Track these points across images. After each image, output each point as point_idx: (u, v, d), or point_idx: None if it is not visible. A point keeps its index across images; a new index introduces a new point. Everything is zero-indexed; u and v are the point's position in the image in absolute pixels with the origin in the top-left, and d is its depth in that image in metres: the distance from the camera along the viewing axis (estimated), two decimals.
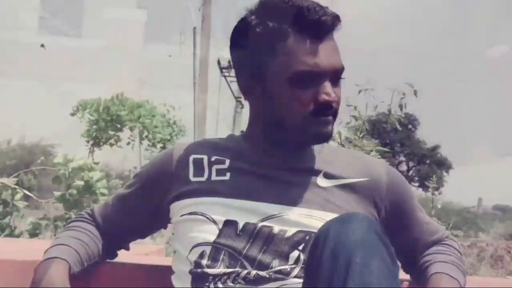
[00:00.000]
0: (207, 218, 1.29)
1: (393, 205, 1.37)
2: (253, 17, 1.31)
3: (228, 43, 1.36)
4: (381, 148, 3.28)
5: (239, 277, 1.25)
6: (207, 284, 1.26)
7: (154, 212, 1.40)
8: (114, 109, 13.55)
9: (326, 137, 1.32)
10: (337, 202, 1.31)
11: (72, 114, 13.70)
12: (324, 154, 1.38)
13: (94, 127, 13.58)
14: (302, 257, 1.25)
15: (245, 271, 1.25)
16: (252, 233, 1.27)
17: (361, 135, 3.24)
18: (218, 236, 1.28)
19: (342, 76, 1.32)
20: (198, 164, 1.36)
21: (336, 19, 1.29)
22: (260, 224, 1.28)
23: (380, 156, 3.15)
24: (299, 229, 1.27)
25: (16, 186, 4.51)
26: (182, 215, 1.33)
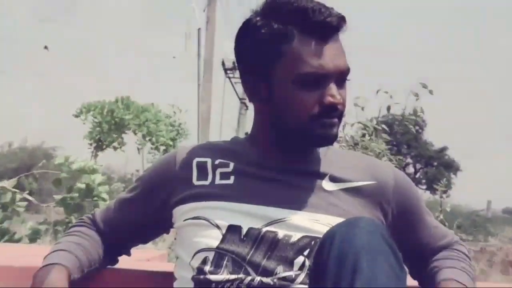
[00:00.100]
0: (211, 222, 1.29)
1: (400, 209, 1.37)
2: (257, 18, 1.31)
3: (233, 44, 1.36)
4: (388, 152, 3.27)
5: (242, 284, 1.24)
6: None
7: (157, 217, 1.40)
8: (119, 112, 13.58)
9: (331, 140, 1.31)
10: (343, 206, 1.31)
11: (76, 116, 13.73)
12: (330, 157, 1.38)
13: (98, 129, 13.61)
14: (307, 263, 1.25)
15: (249, 278, 1.24)
16: (256, 238, 1.27)
17: (369, 137, 3.24)
18: (222, 241, 1.27)
19: (348, 77, 1.32)
20: (202, 167, 1.36)
21: (341, 20, 1.29)
22: (264, 229, 1.27)
23: (388, 159, 3.15)
24: (304, 234, 1.27)
25: (16, 190, 4.51)
26: (185, 219, 1.33)
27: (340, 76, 1.29)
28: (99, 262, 1.42)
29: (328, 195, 1.32)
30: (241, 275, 1.25)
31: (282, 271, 1.25)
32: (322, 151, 1.38)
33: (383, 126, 3.19)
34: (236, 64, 1.40)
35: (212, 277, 1.26)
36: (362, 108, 3.22)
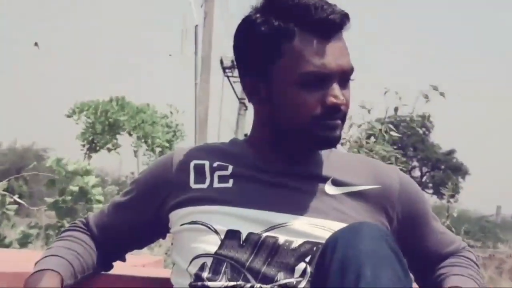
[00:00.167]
0: (209, 227, 1.29)
1: (406, 214, 1.37)
2: (257, 15, 1.31)
3: (232, 42, 1.37)
4: (396, 154, 3.27)
5: None
6: None
7: (153, 221, 1.40)
8: (113, 113, 13.55)
9: (334, 142, 1.32)
10: (346, 211, 1.31)
11: (68, 116, 13.70)
12: (333, 160, 1.38)
13: (91, 130, 13.58)
14: (308, 269, 1.25)
15: (249, 285, 1.25)
16: (256, 244, 1.27)
17: (374, 140, 3.24)
18: (220, 247, 1.28)
19: (352, 77, 1.32)
20: (199, 170, 1.36)
21: (345, 17, 1.29)
22: (264, 235, 1.28)
23: (390, 162, 3.15)
24: (306, 239, 1.27)
25: (6, 193, 4.51)
26: (182, 224, 1.33)
27: (343, 76, 1.30)
28: (92, 268, 1.42)
29: (331, 200, 1.32)
30: (240, 282, 1.25)
31: (282, 278, 1.25)
32: (324, 153, 1.38)
33: (390, 126, 3.19)
34: (235, 63, 1.41)
35: (210, 284, 1.26)
36: (369, 111, 3.22)
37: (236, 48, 1.36)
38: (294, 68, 1.27)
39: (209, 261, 1.28)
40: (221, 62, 18.41)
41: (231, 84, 19.30)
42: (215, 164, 1.36)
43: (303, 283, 1.25)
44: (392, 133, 3.21)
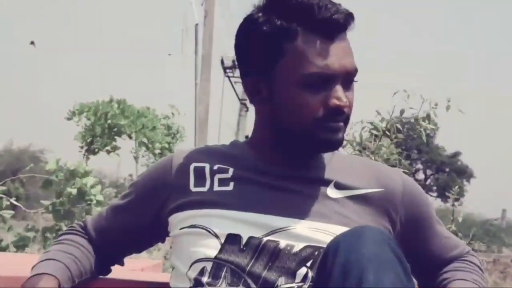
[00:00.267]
0: (209, 231, 1.30)
1: (409, 218, 1.37)
2: (259, 14, 1.31)
3: (233, 41, 1.37)
4: (400, 157, 3.26)
5: None
6: None
7: (152, 225, 1.40)
8: (114, 117, 13.54)
9: (336, 145, 1.32)
10: (348, 215, 1.31)
11: (68, 119, 13.67)
12: (335, 163, 1.38)
13: (90, 132, 13.57)
14: (310, 274, 1.25)
15: None
16: (257, 248, 1.27)
17: (378, 141, 3.23)
18: (220, 251, 1.28)
19: (355, 79, 1.32)
20: (200, 173, 1.36)
21: (349, 17, 1.29)
22: (265, 239, 1.28)
23: (391, 165, 3.14)
24: (307, 244, 1.27)
25: (2, 195, 4.51)
26: (182, 228, 1.33)
27: (347, 77, 1.30)
28: (90, 272, 1.43)
29: (333, 203, 1.32)
30: (241, 287, 1.25)
31: (283, 283, 1.25)
32: (327, 156, 1.38)
33: (397, 125, 3.19)
34: (236, 63, 1.41)
35: None
36: (378, 113, 3.22)
37: (238, 47, 1.36)
38: (297, 68, 1.27)
39: (209, 265, 1.28)
40: (222, 61, 18.41)
41: (232, 84, 19.30)
42: (215, 167, 1.36)
43: None
44: (399, 134, 3.21)
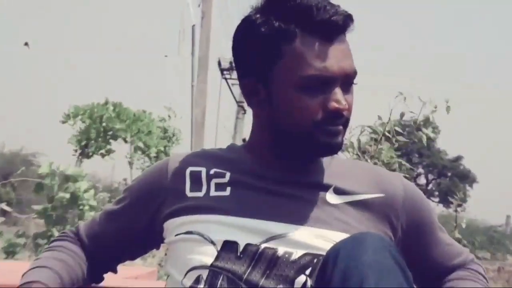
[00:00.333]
0: (205, 238, 1.29)
1: (411, 224, 1.37)
2: (257, 15, 1.31)
3: (230, 43, 1.37)
4: (401, 161, 3.26)
5: None
6: None
7: (146, 231, 1.40)
8: (110, 121, 13.55)
9: (335, 149, 1.32)
10: (348, 221, 1.31)
11: (63, 122, 13.67)
12: (334, 167, 1.38)
13: (84, 135, 13.57)
14: (309, 282, 1.25)
15: None
16: (254, 256, 1.27)
17: (378, 145, 3.23)
18: (217, 258, 1.28)
19: (355, 81, 1.32)
20: (196, 177, 1.36)
21: (348, 18, 1.29)
22: (263, 246, 1.27)
23: (391, 169, 3.14)
24: (306, 251, 1.27)
25: None
26: (177, 234, 1.33)
27: (346, 80, 1.30)
28: (82, 280, 1.42)
29: (332, 209, 1.32)
30: None
31: None
32: (325, 160, 1.38)
33: (397, 128, 3.19)
34: (233, 64, 1.41)
35: None
36: (380, 118, 3.22)
37: (235, 49, 1.36)
38: (295, 71, 1.27)
39: (204, 273, 1.27)
40: (219, 63, 18.43)
41: (229, 86, 19.31)
42: (212, 171, 1.36)
43: None
44: (399, 137, 3.21)
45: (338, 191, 1.34)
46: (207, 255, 1.28)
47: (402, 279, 1.13)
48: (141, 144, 14.51)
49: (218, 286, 1.26)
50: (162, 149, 14.93)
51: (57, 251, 1.42)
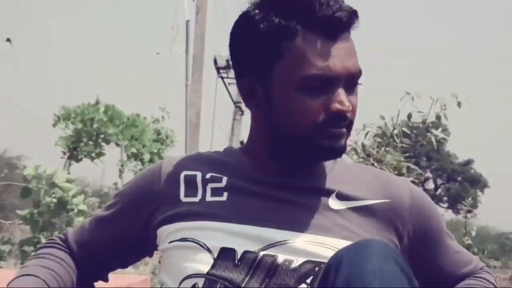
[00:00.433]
0: (200, 245, 1.30)
1: (418, 231, 1.38)
2: (256, 11, 1.32)
3: (227, 40, 1.37)
4: (409, 164, 3.26)
5: None
6: None
7: (138, 238, 1.41)
8: (102, 125, 13.54)
9: (338, 152, 1.32)
10: (351, 228, 1.32)
11: (54, 125, 13.65)
12: (337, 172, 1.38)
13: (73, 138, 13.56)
14: None
15: None
16: (253, 264, 1.27)
17: (384, 148, 3.23)
18: (213, 266, 1.28)
19: (359, 81, 1.32)
20: (191, 182, 1.37)
21: (353, 15, 1.29)
22: (261, 253, 1.28)
23: (404, 173, 3.15)
24: (307, 258, 1.27)
25: None
26: (171, 241, 1.33)
27: (350, 80, 1.30)
28: None
29: (335, 215, 1.33)
30: None
31: None
32: (328, 164, 1.39)
33: (404, 129, 3.18)
34: (230, 63, 1.41)
35: None
36: (383, 118, 3.22)
37: (232, 46, 1.37)
38: (296, 70, 1.28)
39: (200, 282, 1.28)
40: (215, 61, 18.42)
41: (225, 85, 19.32)
42: (208, 176, 1.37)
43: None
44: (405, 140, 3.20)
45: (341, 196, 1.35)
46: (203, 263, 1.28)
47: None
48: (134, 150, 14.52)
49: None
50: (155, 151, 14.92)
51: (45, 259, 1.42)
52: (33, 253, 1.49)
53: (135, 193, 1.41)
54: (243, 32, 1.34)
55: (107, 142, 13.94)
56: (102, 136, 13.70)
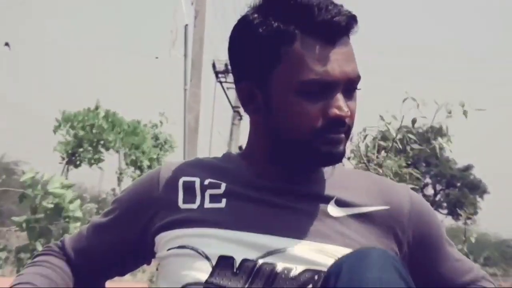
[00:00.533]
0: (199, 253, 1.29)
1: (417, 239, 1.37)
2: (255, 15, 1.32)
3: (225, 44, 1.37)
4: (411, 171, 3.25)
5: None
6: None
7: (136, 245, 1.40)
8: (103, 131, 13.57)
9: (337, 158, 1.32)
10: (351, 235, 1.31)
11: (54, 131, 13.66)
12: (336, 178, 1.38)
13: (73, 143, 13.58)
14: None
15: None
16: (251, 272, 1.27)
17: (386, 153, 3.22)
18: (211, 274, 1.28)
19: (358, 86, 1.32)
20: (189, 188, 1.36)
21: (352, 19, 1.29)
22: (260, 261, 1.28)
23: (406, 180, 3.14)
24: (307, 267, 1.27)
25: None
26: (169, 249, 1.33)
27: (349, 85, 1.30)
28: None
29: (334, 222, 1.32)
30: None
31: None
32: (327, 170, 1.38)
33: (410, 135, 3.15)
34: (228, 67, 1.41)
35: None
36: (382, 118, 3.21)
37: (231, 51, 1.37)
38: (294, 75, 1.28)
39: None
40: (214, 65, 18.45)
41: (224, 90, 19.34)
42: (206, 182, 1.36)
43: None
44: (414, 145, 3.18)
45: (340, 203, 1.34)
46: (201, 271, 1.28)
47: None
48: (133, 157, 14.56)
49: None
50: (155, 157, 14.95)
51: (41, 266, 1.42)
52: (29, 261, 1.49)
53: (133, 200, 1.41)
54: (242, 37, 1.34)
55: (107, 149, 13.98)
56: (102, 142, 13.74)
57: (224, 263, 1.28)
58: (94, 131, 13.57)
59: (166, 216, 1.35)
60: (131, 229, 1.40)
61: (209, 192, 1.35)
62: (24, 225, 4.53)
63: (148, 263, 1.46)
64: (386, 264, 1.14)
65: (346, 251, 1.23)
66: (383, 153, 3.23)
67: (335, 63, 1.28)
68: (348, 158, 3.27)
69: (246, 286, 1.26)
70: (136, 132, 14.52)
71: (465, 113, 3.13)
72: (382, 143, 3.25)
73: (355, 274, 1.12)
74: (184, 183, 1.37)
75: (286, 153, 1.33)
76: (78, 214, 4.60)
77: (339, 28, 1.28)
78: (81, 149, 13.60)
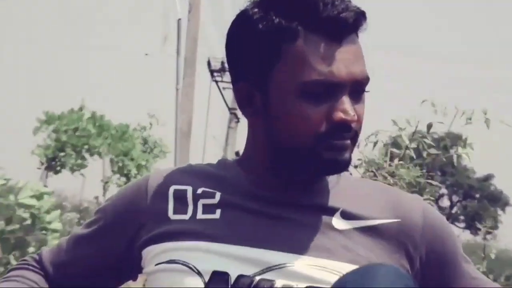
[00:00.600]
0: (190, 268, 1.30)
1: (431, 255, 1.38)
2: (255, 9, 1.32)
3: (222, 41, 1.38)
4: (428, 181, 3.25)
5: None
6: None
7: (121, 259, 1.41)
8: (86, 132, 13.56)
9: (342, 166, 1.32)
10: (357, 250, 1.32)
11: (34, 133, 13.63)
12: (342, 187, 1.39)
13: (53, 147, 13.56)
14: None
15: None
16: None
17: (398, 161, 3.22)
18: None
19: (367, 88, 1.33)
20: (180, 197, 1.37)
21: (360, 16, 1.30)
22: (258, 278, 1.28)
23: (422, 190, 3.14)
24: (309, 284, 1.27)
25: None
26: (158, 263, 1.33)
27: (356, 87, 1.30)
28: None
29: (339, 236, 1.33)
30: None
31: None
32: (331, 179, 1.39)
33: (426, 140, 3.15)
34: (225, 65, 1.42)
35: None
36: (395, 123, 3.21)
37: (228, 48, 1.37)
38: (296, 75, 1.28)
39: None
40: (209, 63, 18.48)
41: (220, 90, 19.36)
42: (199, 191, 1.37)
43: None
44: (431, 150, 3.18)
45: (346, 215, 1.35)
46: None
47: None
48: (120, 164, 14.55)
49: None
50: (143, 163, 14.93)
51: (16, 281, 1.42)
52: (3, 276, 1.49)
53: (119, 210, 1.41)
54: (241, 33, 1.34)
55: (91, 154, 13.96)
56: (86, 147, 13.71)
57: (218, 279, 1.28)
58: (77, 134, 13.55)
59: (154, 228, 1.36)
60: (116, 242, 1.40)
61: (202, 202, 1.36)
62: None
63: (134, 278, 1.46)
64: (395, 282, 1.14)
65: (351, 267, 1.23)
66: (396, 161, 3.22)
67: (341, 63, 1.28)
68: (356, 166, 3.27)
69: None
70: (125, 137, 14.51)
71: (487, 121, 3.12)
72: (395, 150, 3.25)
73: None
74: (175, 191, 1.38)
75: (287, 160, 1.33)
76: (56, 225, 4.59)
77: (346, 25, 1.29)
78: (62, 154, 13.56)
